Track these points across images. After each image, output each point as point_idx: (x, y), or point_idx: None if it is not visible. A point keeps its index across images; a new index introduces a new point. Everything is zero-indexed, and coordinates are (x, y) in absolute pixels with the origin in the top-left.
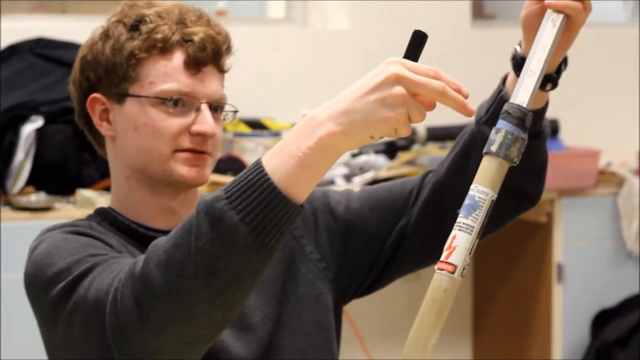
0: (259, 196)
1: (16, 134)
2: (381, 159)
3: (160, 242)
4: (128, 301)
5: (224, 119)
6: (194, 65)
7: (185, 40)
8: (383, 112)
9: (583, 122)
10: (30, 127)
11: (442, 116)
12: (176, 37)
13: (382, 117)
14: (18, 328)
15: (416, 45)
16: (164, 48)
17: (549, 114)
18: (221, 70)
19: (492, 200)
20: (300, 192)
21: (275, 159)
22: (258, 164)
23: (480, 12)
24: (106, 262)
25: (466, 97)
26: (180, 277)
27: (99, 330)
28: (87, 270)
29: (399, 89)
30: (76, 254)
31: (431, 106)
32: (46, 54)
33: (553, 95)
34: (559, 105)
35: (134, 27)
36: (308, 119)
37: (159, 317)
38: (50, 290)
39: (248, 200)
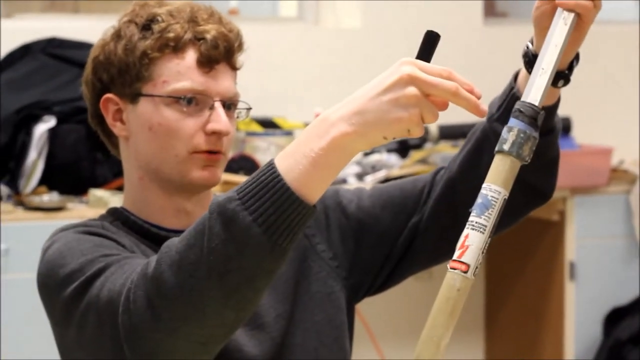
0: (271, 197)
1: (29, 133)
2: (393, 158)
3: (173, 242)
4: (141, 302)
5: (238, 117)
6: (206, 63)
7: (198, 39)
8: (396, 112)
9: (595, 120)
10: (43, 127)
11: (455, 115)
12: (188, 35)
13: (395, 117)
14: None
15: (429, 45)
16: (177, 47)
17: (561, 112)
18: (234, 68)
19: (505, 199)
20: (313, 193)
21: (288, 160)
22: (271, 165)
23: (492, 10)
24: (119, 262)
25: (479, 97)
26: (193, 278)
27: (112, 330)
28: (100, 271)
29: (412, 90)
30: (89, 254)
31: (444, 106)
32: (58, 53)
33: (565, 94)
34: (571, 104)
35: (146, 27)
36: (321, 119)
37: (172, 318)
38: (63, 291)
39: (261, 201)
